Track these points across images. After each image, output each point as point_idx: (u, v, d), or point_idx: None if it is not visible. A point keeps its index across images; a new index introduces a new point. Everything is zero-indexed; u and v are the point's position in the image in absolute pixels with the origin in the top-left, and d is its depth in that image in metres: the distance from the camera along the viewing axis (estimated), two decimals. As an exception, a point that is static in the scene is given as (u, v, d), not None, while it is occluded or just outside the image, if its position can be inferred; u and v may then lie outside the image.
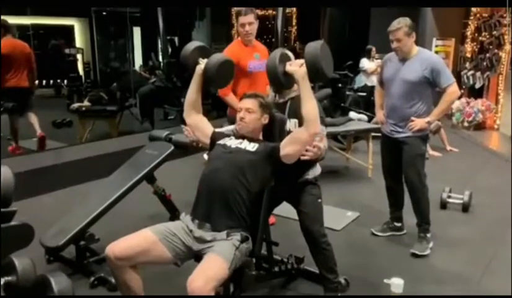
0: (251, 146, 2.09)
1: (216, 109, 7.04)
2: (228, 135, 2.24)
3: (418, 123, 2.96)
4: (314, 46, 1.95)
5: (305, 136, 1.99)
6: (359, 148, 5.66)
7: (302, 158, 2.05)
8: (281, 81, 2.07)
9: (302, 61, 2.00)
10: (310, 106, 1.97)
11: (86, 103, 5.97)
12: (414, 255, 3.01)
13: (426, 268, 2.90)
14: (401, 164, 3.08)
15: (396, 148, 3.09)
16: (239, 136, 2.18)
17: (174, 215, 3.32)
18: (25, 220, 3.49)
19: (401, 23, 2.87)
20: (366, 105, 7.37)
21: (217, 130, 2.34)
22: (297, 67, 1.99)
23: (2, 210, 1.51)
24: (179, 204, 3.33)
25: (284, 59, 2.08)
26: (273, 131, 2.23)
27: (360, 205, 3.94)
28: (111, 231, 3.08)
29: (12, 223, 1.52)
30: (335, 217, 3.57)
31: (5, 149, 4.91)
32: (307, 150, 2.03)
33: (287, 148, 2.02)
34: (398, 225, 3.34)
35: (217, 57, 2.17)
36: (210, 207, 1.98)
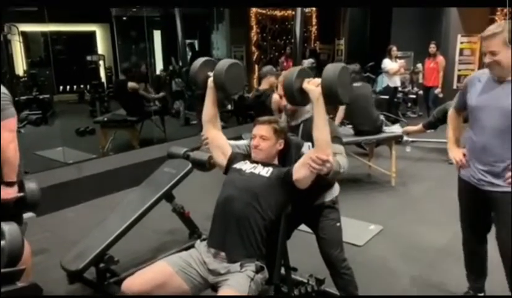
0: (265, 171, 2.05)
1: (236, 115, 7.03)
2: (243, 156, 2.20)
3: None
4: (333, 70, 1.89)
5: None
6: (381, 152, 5.53)
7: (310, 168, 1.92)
8: (295, 96, 2.00)
9: (319, 80, 1.94)
10: (322, 128, 1.90)
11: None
12: None
13: (451, 289, 2.79)
14: (489, 221, 2.40)
15: (484, 202, 2.32)
16: (254, 160, 2.14)
17: (193, 232, 3.33)
18: (48, 236, 3.64)
19: (500, 27, 2.03)
20: (388, 106, 7.24)
21: (232, 142, 2.31)
22: (313, 86, 1.93)
23: (7, 270, 1.43)
24: (198, 217, 3.32)
25: (303, 75, 2.01)
26: (289, 156, 2.18)
27: (383, 217, 3.85)
28: (130, 250, 3.12)
29: (20, 284, 1.43)
30: (357, 231, 3.49)
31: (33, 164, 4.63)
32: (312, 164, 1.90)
33: (298, 173, 1.97)
34: (481, 294, 2.59)
35: (223, 62, 2.13)
36: (225, 235, 1.95)
